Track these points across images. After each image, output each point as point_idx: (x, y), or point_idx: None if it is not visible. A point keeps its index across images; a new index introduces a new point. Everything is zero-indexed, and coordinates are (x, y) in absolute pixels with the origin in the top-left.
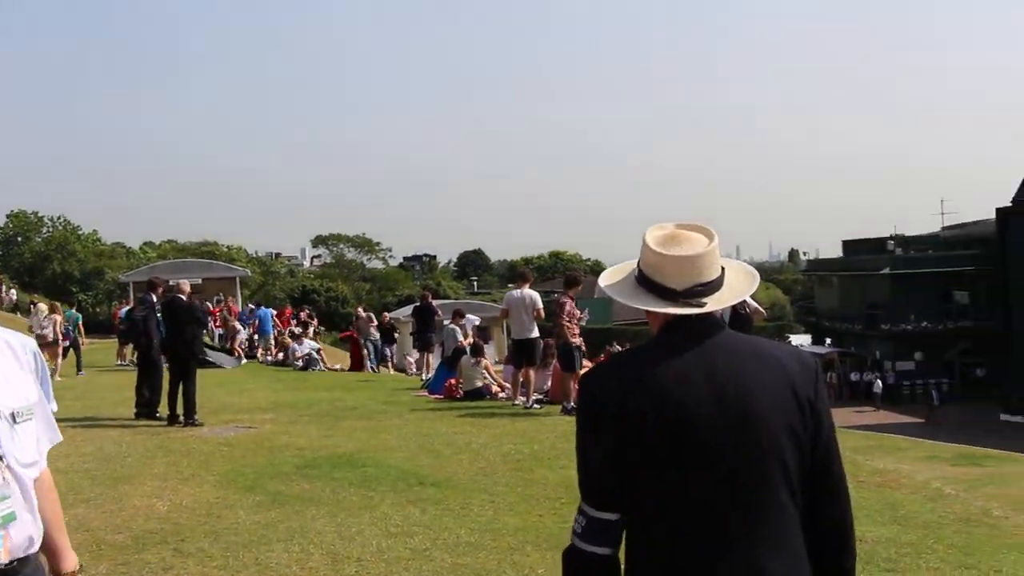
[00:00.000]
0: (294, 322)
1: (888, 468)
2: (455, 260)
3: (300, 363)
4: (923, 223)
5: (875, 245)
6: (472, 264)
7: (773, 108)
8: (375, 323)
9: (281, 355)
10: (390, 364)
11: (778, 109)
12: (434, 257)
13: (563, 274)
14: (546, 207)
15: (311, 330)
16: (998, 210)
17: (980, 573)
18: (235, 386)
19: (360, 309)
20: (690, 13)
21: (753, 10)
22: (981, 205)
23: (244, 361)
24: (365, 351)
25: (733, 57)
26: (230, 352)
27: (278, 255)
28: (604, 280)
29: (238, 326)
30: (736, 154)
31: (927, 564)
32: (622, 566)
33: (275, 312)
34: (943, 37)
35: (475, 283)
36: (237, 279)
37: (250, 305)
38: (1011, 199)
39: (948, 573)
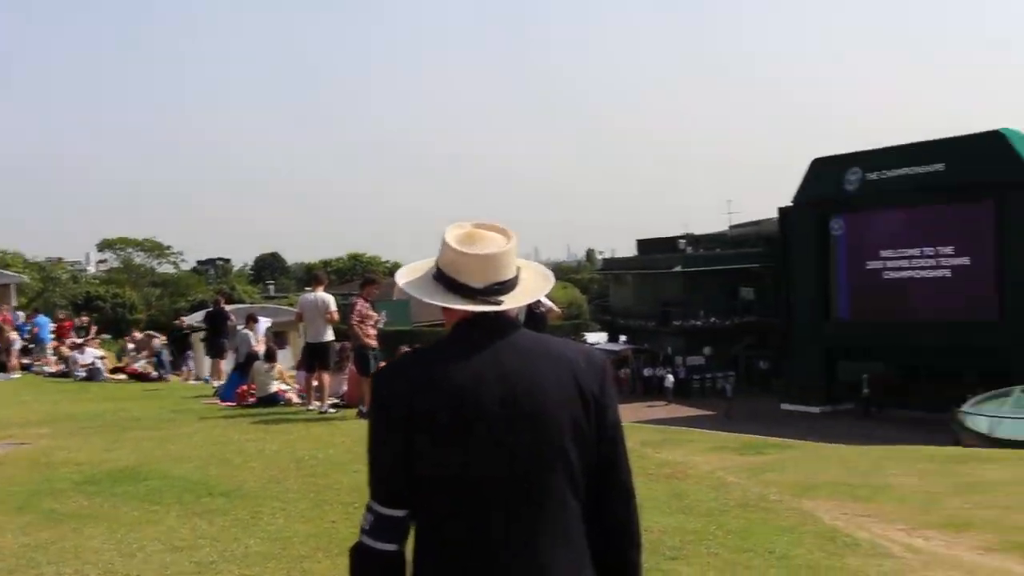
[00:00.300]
0: (74, 333)
1: (676, 460)
2: (251, 264)
3: (83, 373)
4: (711, 222)
5: (667, 244)
6: (269, 267)
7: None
8: (158, 336)
9: (62, 366)
10: (190, 374)
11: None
12: (228, 260)
13: (361, 276)
14: (346, 207)
15: (91, 335)
16: (780, 209)
17: (756, 555)
18: (8, 399)
19: (136, 333)
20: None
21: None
22: (765, 205)
23: (20, 374)
24: (151, 364)
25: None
26: (3, 366)
27: (59, 260)
28: (401, 277)
29: (13, 336)
30: (521, 154)
31: (708, 549)
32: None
33: (54, 325)
34: (740, 37)
35: (271, 287)
36: (12, 286)
37: (19, 313)
38: (791, 199)
39: (727, 557)
